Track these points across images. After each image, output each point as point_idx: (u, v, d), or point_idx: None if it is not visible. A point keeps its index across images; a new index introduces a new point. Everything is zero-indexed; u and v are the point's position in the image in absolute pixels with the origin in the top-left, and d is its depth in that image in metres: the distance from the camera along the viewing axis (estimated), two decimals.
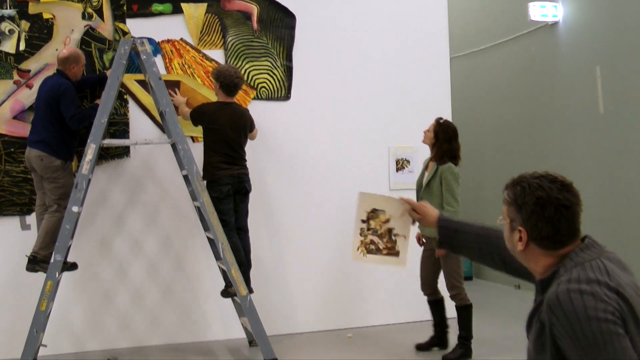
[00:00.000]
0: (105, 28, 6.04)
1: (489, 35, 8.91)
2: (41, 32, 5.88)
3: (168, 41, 6.19)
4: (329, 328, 6.51)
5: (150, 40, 5.95)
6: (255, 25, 6.43)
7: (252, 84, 6.39)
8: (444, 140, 5.50)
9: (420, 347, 5.74)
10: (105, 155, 5.99)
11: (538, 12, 7.59)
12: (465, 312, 5.46)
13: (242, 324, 5.97)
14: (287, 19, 6.52)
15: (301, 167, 6.52)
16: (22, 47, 5.84)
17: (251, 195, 5.90)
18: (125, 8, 6.08)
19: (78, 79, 5.69)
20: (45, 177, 5.51)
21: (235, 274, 5.41)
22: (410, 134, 6.62)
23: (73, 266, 5.58)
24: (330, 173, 6.50)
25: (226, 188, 5.65)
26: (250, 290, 5.56)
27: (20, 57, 5.84)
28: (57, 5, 5.91)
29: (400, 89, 6.78)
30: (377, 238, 2.78)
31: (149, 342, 6.11)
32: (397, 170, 6.68)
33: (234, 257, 5.44)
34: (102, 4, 6.01)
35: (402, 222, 2.74)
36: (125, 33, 6.05)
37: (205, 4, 6.29)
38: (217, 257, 5.68)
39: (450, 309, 5.78)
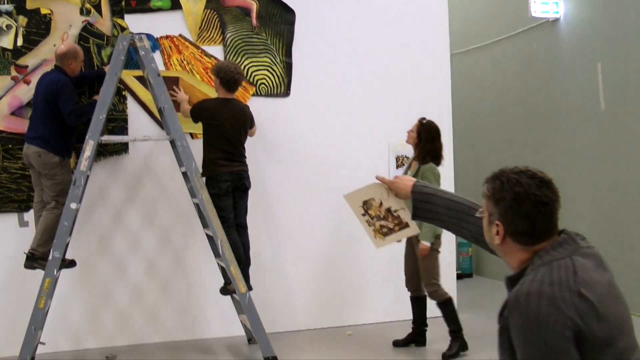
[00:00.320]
0: (104, 24, 6.00)
1: (490, 31, 8.88)
2: (39, 27, 5.85)
3: (167, 37, 6.16)
4: (328, 325, 6.49)
5: (149, 36, 5.91)
6: (254, 21, 6.40)
7: (251, 80, 6.36)
8: (427, 140, 5.56)
9: (397, 344, 5.77)
10: (104, 151, 5.96)
11: (539, 9, 7.56)
12: (446, 306, 5.50)
13: (241, 322, 5.95)
14: (287, 15, 6.49)
15: (300, 163, 6.49)
16: (19, 42, 5.81)
17: (250, 192, 5.88)
18: (123, 4, 6.04)
19: (76, 75, 5.66)
20: (43, 173, 5.48)
21: (234, 271, 5.39)
22: None
23: (71, 263, 5.55)
24: (330, 170, 6.47)
25: (225, 185, 5.63)
26: (250, 288, 5.54)
27: (17, 52, 5.81)
28: (55, 1, 5.87)
29: (401, 85, 6.75)
30: (384, 221, 2.87)
31: (148, 340, 6.09)
32: (397, 167, 6.64)
33: (233, 254, 5.42)
34: (100, 0, 5.98)
35: (392, 198, 2.84)
36: (123, 29, 6.02)
37: (204, 0, 6.25)
38: (216, 254, 5.66)
39: (434, 307, 5.78)
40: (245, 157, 5.84)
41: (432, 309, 5.81)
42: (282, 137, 6.45)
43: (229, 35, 6.32)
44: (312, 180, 6.47)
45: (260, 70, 6.41)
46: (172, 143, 5.60)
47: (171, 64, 6.15)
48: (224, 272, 5.65)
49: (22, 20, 5.81)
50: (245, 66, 6.32)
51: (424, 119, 5.69)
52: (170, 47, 6.16)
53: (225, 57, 6.28)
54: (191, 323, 6.20)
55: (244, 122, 5.83)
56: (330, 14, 6.62)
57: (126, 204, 6.08)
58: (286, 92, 6.49)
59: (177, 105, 5.89)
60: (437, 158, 5.58)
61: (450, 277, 6.92)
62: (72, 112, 5.43)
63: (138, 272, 6.10)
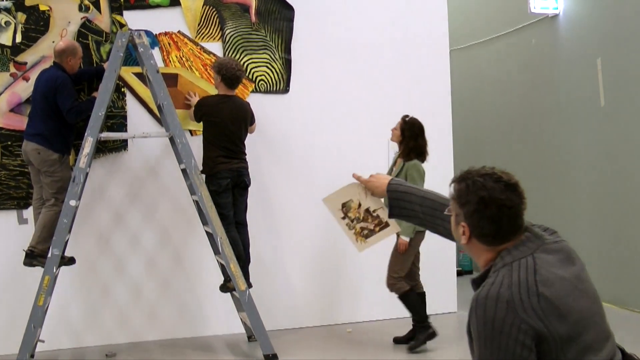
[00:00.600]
0: (102, 20, 5.98)
1: (489, 27, 8.87)
2: (38, 24, 5.83)
3: (166, 34, 6.14)
4: (328, 323, 6.48)
5: (148, 33, 5.89)
6: (253, 17, 6.38)
7: (250, 77, 6.34)
8: (410, 138, 5.62)
9: (398, 341, 5.78)
10: (103, 148, 5.95)
11: (538, 5, 7.56)
12: (407, 298, 5.57)
13: (241, 319, 5.94)
14: (286, 11, 6.47)
15: (300, 160, 6.48)
16: (18, 39, 5.79)
17: (250, 189, 5.87)
18: (122, 0, 6.02)
19: (75, 72, 5.64)
20: (42, 170, 5.46)
21: (234, 268, 5.38)
22: None
23: (70, 261, 5.54)
24: (329, 166, 6.45)
25: (225, 182, 5.62)
26: (249, 285, 5.53)
27: (16, 49, 5.78)
28: None
29: (400, 81, 6.74)
30: (364, 222, 2.91)
31: (147, 338, 6.08)
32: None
33: (233, 252, 5.42)
34: None
35: (370, 198, 2.86)
36: (122, 25, 6.00)
37: None
38: (216, 251, 5.65)
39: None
40: (245, 154, 5.83)
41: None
42: (281, 134, 6.44)
43: (227, 31, 6.31)
44: (311, 177, 6.45)
45: (259, 66, 6.39)
46: (172, 140, 5.59)
47: (170, 61, 6.13)
48: (223, 269, 5.65)
49: (21, 16, 5.79)
50: (244, 63, 6.30)
51: (407, 116, 5.74)
52: (169, 43, 6.15)
53: (224, 54, 6.26)
54: (191, 320, 6.19)
55: (245, 119, 5.82)
56: (329, 10, 6.60)
57: (125, 201, 6.07)
58: (285, 89, 6.47)
59: (189, 107, 5.99)
60: (421, 155, 5.64)
61: (450, 273, 6.92)
62: (71, 109, 5.41)
63: (137, 270, 6.08)
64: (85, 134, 5.26)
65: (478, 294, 1.98)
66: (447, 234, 2.49)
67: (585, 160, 7.19)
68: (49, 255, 5.19)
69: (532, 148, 8.10)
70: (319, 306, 6.51)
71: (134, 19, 6.03)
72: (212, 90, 6.01)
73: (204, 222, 5.63)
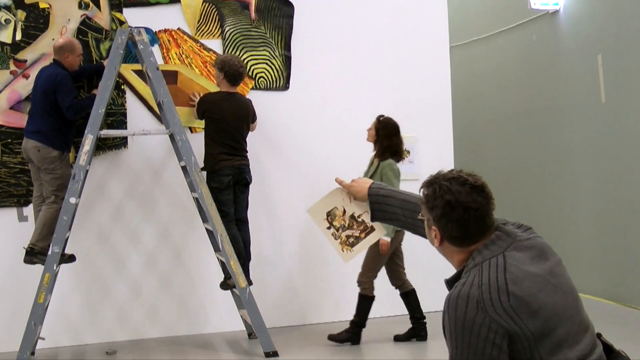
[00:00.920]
0: (102, 17, 5.98)
1: (489, 24, 8.85)
2: (37, 21, 5.82)
3: (165, 31, 6.13)
4: (329, 320, 6.48)
5: (148, 30, 5.89)
6: (253, 14, 6.38)
7: (250, 73, 6.34)
8: (384, 137, 5.68)
9: (398, 339, 5.79)
10: (103, 146, 5.94)
11: (539, 1, 7.53)
12: (364, 301, 5.65)
13: (241, 317, 5.93)
14: (285, 8, 6.46)
15: (300, 157, 6.47)
16: (18, 36, 5.78)
17: (250, 187, 5.86)
18: None
19: (75, 69, 5.63)
20: (42, 168, 5.46)
21: (235, 265, 5.37)
22: (410, 123, 6.57)
23: (71, 258, 5.53)
24: (330, 163, 6.44)
25: (227, 179, 5.61)
26: (250, 282, 5.53)
27: (16, 46, 5.78)
28: None
29: (400, 78, 6.73)
30: (349, 230, 2.94)
31: (148, 335, 6.08)
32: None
33: (233, 249, 5.41)
34: None
35: (354, 203, 2.88)
36: (122, 22, 5.99)
37: None
38: (216, 248, 5.65)
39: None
40: (246, 151, 5.83)
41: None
42: (281, 131, 6.43)
43: (227, 28, 6.30)
44: (311, 174, 6.44)
45: (259, 63, 6.39)
46: (172, 137, 5.58)
47: (170, 58, 6.12)
48: (223, 266, 5.64)
49: (21, 14, 5.79)
50: (244, 60, 6.29)
51: (381, 116, 5.78)
52: (168, 40, 6.14)
53: (224, 51, 6.26)
54: (191, 318, 6.19)
55: (247, 116, 5.82)
56: (328, 7, 6.59)
57: (125, 198, 6.06)
58: (285, 86, 6.47)
59: (192, 107, 6.00)
60: (396, 154, 5.68)
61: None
62: (70, 106, 5.41)
63: (138, 267, 6.08)
64: (85, 131, 5.26)
65: (450, 294, 2.03)
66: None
67: (586, 157, 7.18)
68: (49, 252, 5.19)
69: (532, 144, 8.08)
70: (319, 303, 6.51)
71: (134, 16, 6.02)
72: (212, 88, 6.01)
73: (204, 219, 5.63)
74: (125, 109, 6.02)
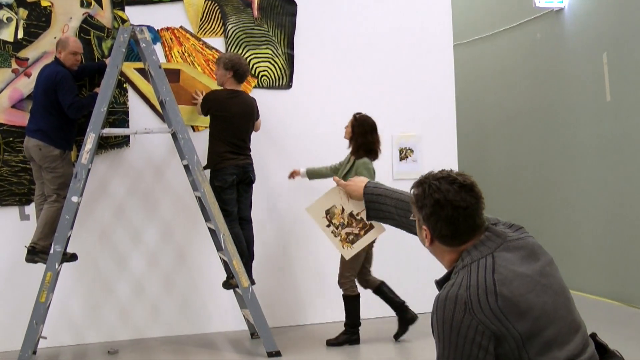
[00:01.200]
0: (104, 16, 5.96)
1: (494, 22, 8.82)
2: (39, 20, 5.81)
3: (167, 29, 6.12)
4: (331, 320, 6.45)
5: (150, 28, 5.88)
6: (255, 12, 6.35)
7: (253, 72, 6.31)
8: (359, 135, 5.66)
9: (397, 336, 5.77)
10: (105, 144, 5.93)
11: None
12: (349, 301, 5.66)
13: (243, 316, 5.92)
14: (288, 6, 6.43)
15: (303, 156, 6.44)
16: (20, 35, 5.77)
17: (253, 185, 5.85)
18: None
19: (74, 68, 5.61)
20: (44, 166, 5.45)
21: (237, 265, 5.36)
22: (414, 122, 6.55)
23: (73, 257, 5.52)
24: (333, 161, 6.41)
25: (231, 178, 5.60)
26: (252, 282, 5.51)
27: (18, 45, 5.77)
28: None
29: (403, 76, 6.70)
30: (348, 228, 2.97)
31: (150, 334, 6.07)
32: (401, 159, 6.59)
33: (236, 248, 5.39)
34: None
35: (352, 201, 2.91)
36: (124, 21, 5.98)
37: None
38: (219, 248, 5.63)
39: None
40: (250, 150, 5.82)
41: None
42: (284, 130, 6.41)
43: (230, 26, 6.27)
44: None
45: (261, 62, 6.36)
46: (174, 136, 5.56)
47: (172, 56, 6.10)
48: (226, 266, 5.62)
49: (23, 12, 5.78)
50: (246, 58, 6.27)
51: (358, 113, 5.76)
52: (171, 39, 6.12)
53: (226, 49, 6.24)
54: (193, 317, 6.18)
55: (252, 115, 5.81)
56: (332, 5, 6.57)
57: (127, 197, 6.05)
58: (288, 84, 6.45)
59: (195, 105, 6.01)
60: (371, 152, 5.65)
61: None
62: (72, 104, 5.40)
63: (140, 266, 6.07)
64: (87, 130, 5.24)
65: (439, 295, 2.04)
66: None
67: (591, 155, 7.15)
68: (51, 251, 5.18)
69: (537, 143, 8.05)
70: (322, 303, 6.49)
71: (136, 15, 6.01)
72: (215, 86, 5.98)
73: (207, 218, 5.61)
74: (128, 108, 6.01)
